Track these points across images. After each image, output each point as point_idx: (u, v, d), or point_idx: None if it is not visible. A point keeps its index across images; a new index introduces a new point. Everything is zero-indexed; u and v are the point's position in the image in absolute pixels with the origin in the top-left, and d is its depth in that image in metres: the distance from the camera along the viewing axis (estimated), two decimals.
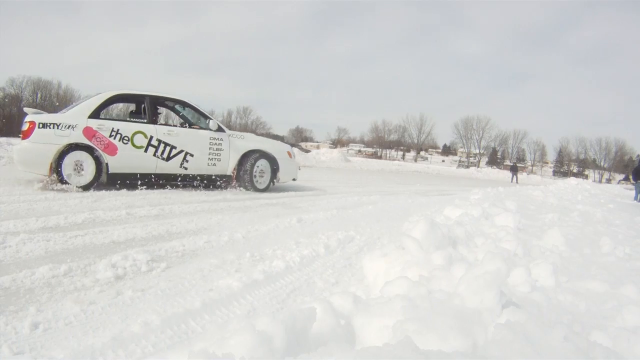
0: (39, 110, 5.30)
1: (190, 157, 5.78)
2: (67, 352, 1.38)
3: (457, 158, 73.03)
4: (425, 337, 1.19)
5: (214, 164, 6.02)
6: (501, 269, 1.56)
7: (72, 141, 5.04)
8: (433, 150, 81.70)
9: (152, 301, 1.89)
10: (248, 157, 6.23)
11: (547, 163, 71.39)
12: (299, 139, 78.31)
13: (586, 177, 58.17)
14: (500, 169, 50.51)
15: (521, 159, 66.08)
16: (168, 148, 5.62)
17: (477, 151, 67.71)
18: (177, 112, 6.91)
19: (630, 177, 15.13)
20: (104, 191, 4.97)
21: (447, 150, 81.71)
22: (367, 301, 1.64)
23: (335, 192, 7.17)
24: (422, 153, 75.84)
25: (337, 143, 75.96)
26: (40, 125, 4.95)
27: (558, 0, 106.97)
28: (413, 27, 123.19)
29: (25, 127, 4.98)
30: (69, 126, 5.05)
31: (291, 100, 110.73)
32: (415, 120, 70.45)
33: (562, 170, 65.20)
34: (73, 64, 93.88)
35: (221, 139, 6.07)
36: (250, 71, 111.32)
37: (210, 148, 5.96)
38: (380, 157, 65.55)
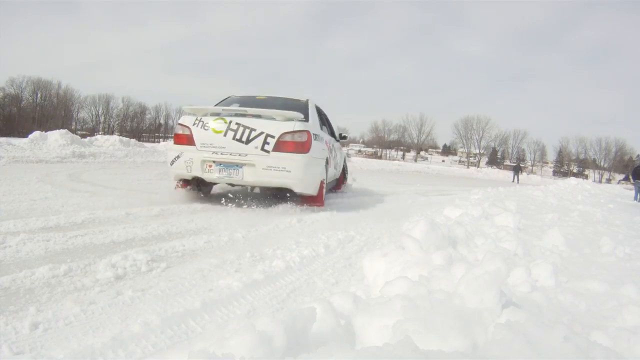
0: (297, 113, 4.30)
1: (334, 162, 6.10)
2: (67, 352, 1.38)
3: (457, 158, 73.02)
4: (425, 337, 1.19)
5: (336, 169, 6.48)
6: (501, 269, 1.55)
7: (326, 155, 4.61)
8: (433, 150, 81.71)
9: (152, 301, 1.89)
10: (345, 164, 7.20)
11: (547, 163, 71.43)
12: None
13: (586, 177, 58.18)
14: (500, 168, 50.51)
15: (521, 159, 66.10)
16: (334, 156, 5.90)
17: (477, 151, 67.72)
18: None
19: (630, 177, 15.11)
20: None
21: (447, 150, 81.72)
22: (367, 301, 1.64)
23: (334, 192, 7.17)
24: (422, 153, 75.84)
25: None
26: (314, 137, 4.23)
27: (558, 0, 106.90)
28: (413, 27, 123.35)
29: (302, 137, 4.11)
30: (322, 138, 4.67)
31: None
32: (415, 120, 70.50)
33: (562, 170, 65.23)
34: (73, 64, 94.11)
35: (340, 148, 6.74)
36: (250, 71, 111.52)
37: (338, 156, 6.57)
38: (380, 157, 65.55)
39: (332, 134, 6.20)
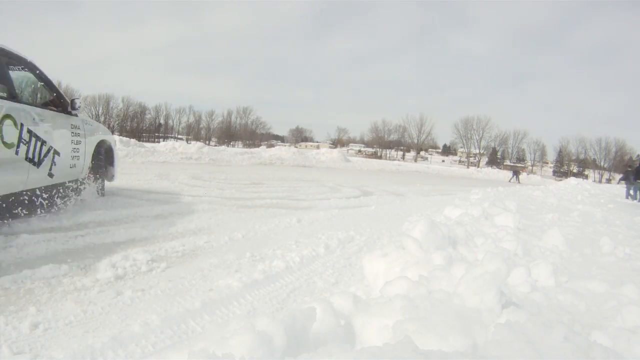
0: None
1: None
2: (67, 352, 1.38)
3: (457, 158, 73.01)
4: (425, 337, 1.19)
5: None
6: (501, 269, 1.55)
7: None
8: (433, 150, 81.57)
9: (152, 301, 1.89)
10: None
11: (547, 163, 71.28)
12: (299, 139, 78.34)
13: (586, 177, 58.13)
14: (500, 169, 50.50)
15: (521, 159, 66.02)
16: None
17: (477, 151, 67.66)
18: None
19: (631, 177, 15.08)
20: None
21: (447, 150, 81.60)
22: (367, 301, 1.64)
23: (334, 192, 7.17)
24: (422, 153, 75.74)
25: (337, 143, 75.91)
26: None
27: (559, 0, 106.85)
28: (413, 27, 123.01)
29: None
30: None
31: (291, 100, 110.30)
32: (415, 120, 70.34)
33: (562, 170, 65.12)
34: (73, 64, 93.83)
35: None
36: (250, 71, 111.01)
37: None
38: (380, 157, 65.50)
39: None
